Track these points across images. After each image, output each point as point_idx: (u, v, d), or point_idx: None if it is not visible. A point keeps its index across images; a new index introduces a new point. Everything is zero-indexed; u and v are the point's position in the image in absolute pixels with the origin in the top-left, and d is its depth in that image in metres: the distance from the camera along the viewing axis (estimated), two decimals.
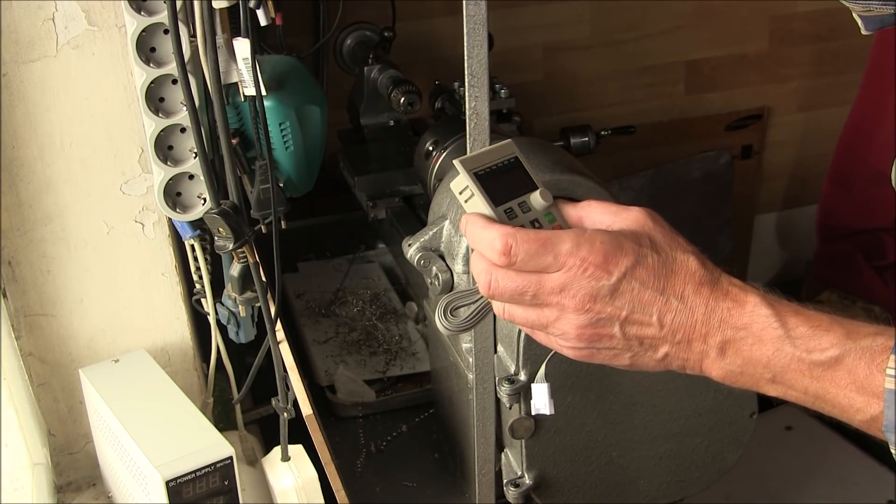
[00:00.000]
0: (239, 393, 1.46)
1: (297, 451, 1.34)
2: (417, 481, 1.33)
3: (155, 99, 1.24)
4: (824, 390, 0.74)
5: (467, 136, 0.97)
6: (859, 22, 0.93)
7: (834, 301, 2.45)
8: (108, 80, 1.29)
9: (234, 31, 1.20)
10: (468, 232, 0.79)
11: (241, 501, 1.29)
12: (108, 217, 1.37)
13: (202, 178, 1.25)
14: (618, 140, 1.75)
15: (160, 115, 1.24)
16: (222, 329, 1.43)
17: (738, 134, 2.46)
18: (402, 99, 1.58)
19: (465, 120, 0.96)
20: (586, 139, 1.59)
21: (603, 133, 1.63)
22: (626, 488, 1.21)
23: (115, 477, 1.42)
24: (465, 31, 0.92)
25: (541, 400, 1.02)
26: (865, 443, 2.20)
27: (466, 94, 0.95)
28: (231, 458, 1.25)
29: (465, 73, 0.94)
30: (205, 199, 1.29)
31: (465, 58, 0.93)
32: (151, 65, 1.22)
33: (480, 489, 1.19)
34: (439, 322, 0.83)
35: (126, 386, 1.37)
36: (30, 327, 1.40)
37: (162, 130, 1.25)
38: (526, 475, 1.15)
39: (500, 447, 1.21)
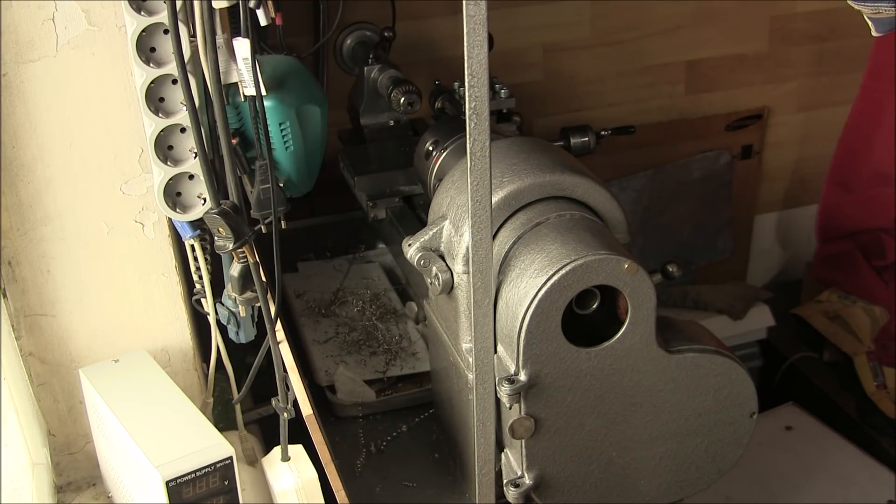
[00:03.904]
0: (239, 393, 1.46)
1: (297, 451, 1.34)
2: (417, 481, 1.33)
3: (155, 99, 1.24)
4: None
5: (467, 137, 0.97)
6: (870, 24, 0.93)
7: (834, 301, 2.45)
8: (108, 80, 1.29)
9: (234, 31, 1.20)
10: None
11: (241, 501, 1.29)
12: (108, 217, 1.37)
13: (202, 178, 1.25)
14: (618, 140, 1.75)
15: (160, 115, 1.24)
16: (222, 329, 1.43)
17: (738, 134, 2.46)
18: (402, 99, 1.58)
19: (465, 120, 0.96)
20: (586, 139, 1.59)
21: (603, 133, 1.63)
22: (626, 488, 1.21)
23: (115, 477, 1.42)
24: (465, 31, 0.91)
25: None
26: (865, 443, 2.20)
27: (466, 94, 0.95)
28: (231, 458, 1.25)
29: (465, 73, 0.94)
30: (205, 199, 1.29)
31: (465, 58, 0.93)
32: (151, 65, 1.22)
33: (480, 489, 1.19)
34: None
35: (126, 386, 1.37)
36: (30, 327, 1.40)
37: (162, 130, 1.25)
38: (526, 475, 1.15)
39: (500, 447, 1.21)
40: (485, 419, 1.14)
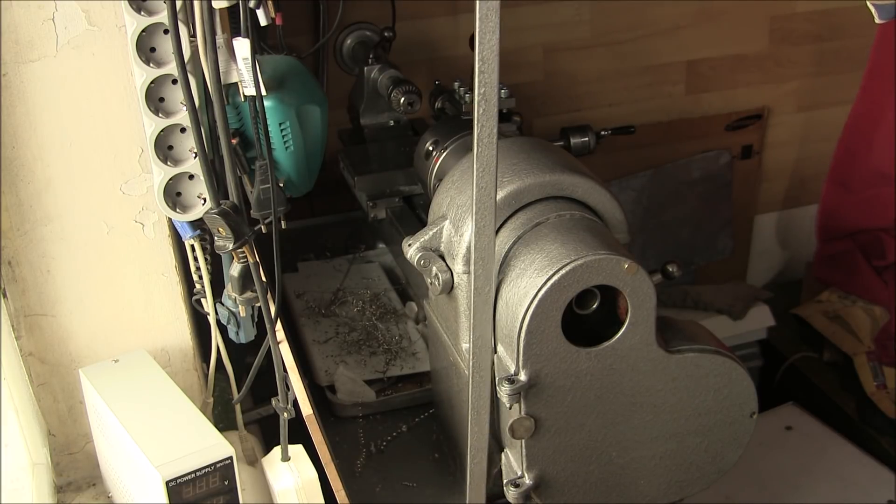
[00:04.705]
0: (239, 393, 1.46)
1: (297, 451, 1.34)
2: (417, 481, 1.33)
3: (155, 99, 1.24)
4: None
5: (475, 121, 0.95)
6: (873, 10, 0.92)
7: (834, 301, 2.45)
8: (108, 80, 1.29)
9: (234, 31, 1.20)
10: None
11: (241, 501, 1.29)
12: (108, 217, 1.37)
13: (202, 178, 1.25)
14: (618, 140, 1.75)
15: (160, 115, 1.24)
16: (222, 329, 1.43)
17: (738, 134, 2.46)
18: (402, 99, 1.58)
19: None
20: (586, 139, 1.59)
21: (603, 133, 1.63)
22: (626, 488, 1.21)
23: (115, 477, 1.42)
24: (476, 15, 0.90)
25: None
26: (865, 443, 2.20)
27: (476, 78, 0.92)
28: (231, 458, 1.25)
29: (475, 57, 0.91)
30: (205, 199, 1.29)
31: (476, 42, 0.90)
32: (151, 65, 1.22)
33: (472, 481, 1.17)
34: None
35: (126, 386, 1.37)
36: (30, 327, 1.40)
37: (162, 130, 1.25)
38: (526, 475, 1.15)
39: (500, 447, 1.21)
40: (480, 408, 1.12)
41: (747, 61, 2.38)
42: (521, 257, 1.11)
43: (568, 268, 1.05)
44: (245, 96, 1.23)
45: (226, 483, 1.26)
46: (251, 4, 1.14)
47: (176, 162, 1.28)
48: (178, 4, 1.15)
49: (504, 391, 1.09)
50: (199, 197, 1.30)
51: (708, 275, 2.60)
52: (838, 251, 2.47)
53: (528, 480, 1.15)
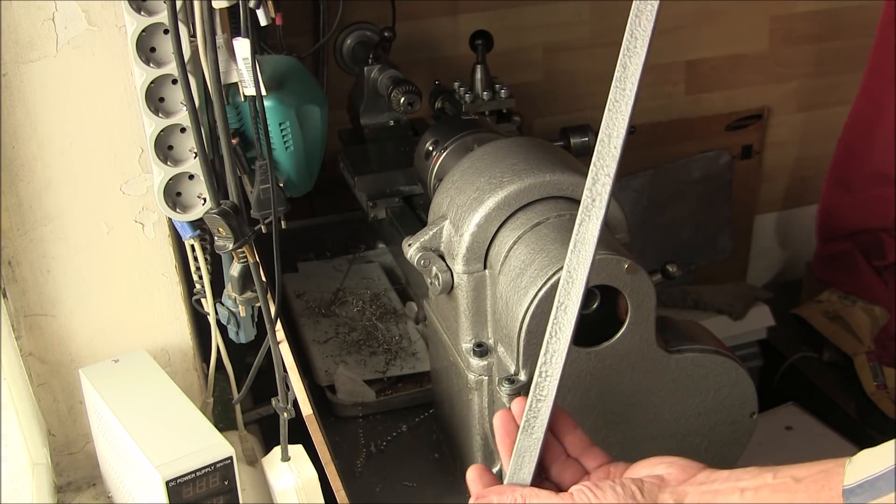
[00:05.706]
0: (239, 393, 1.46)
1: (297, 451, 1.34)
2: (417, 481, 1.33)
3: (155, 99, 1.24)
4: None
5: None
6: None
7: (834, 301, 2.45)
8: (108, 80, 1.29)
9: (234, 31, 1.20)
10: None
11: (241, 501, 1.29)
12: (108, 217, 1.37)
13: (202, 178, 1.25)
14: None
15: (160, 115, 1.24)
16: (222, 329, 1.42)
17: (738, 134, 2.46)
18: (402, 99, 1.58)
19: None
20: (586, 139, 1.59)
21: None
22: None
23: (115, 477, 1.42)
24: None
25: None
26: (865, 443, 2.20)
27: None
28: (231, 458, 1.25)
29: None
30: (205, 199, 1.29)
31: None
32: (151, 65, 1.21)
33: None
34: None
35: (126, 386, 1.37)
36: (30, 327, 1.40)
37: (162, 130, 1.25)
38: None
39: None
40: None
41: (747, 61, 2.38)
42: (521, 257, 1.11)
43: None
44: (245, 96, 1.23)
45: (226, 483, 1.26)
46: (251, 4, 1.14)
47: (176, 162, 1.28)
48: (178, 4, 1.15)
49: (504, 391, 1.09)
50: (199, 197, 1.30)
51: (708, 275, 2.60)
52: (838, 251, 2.47)
53: None
